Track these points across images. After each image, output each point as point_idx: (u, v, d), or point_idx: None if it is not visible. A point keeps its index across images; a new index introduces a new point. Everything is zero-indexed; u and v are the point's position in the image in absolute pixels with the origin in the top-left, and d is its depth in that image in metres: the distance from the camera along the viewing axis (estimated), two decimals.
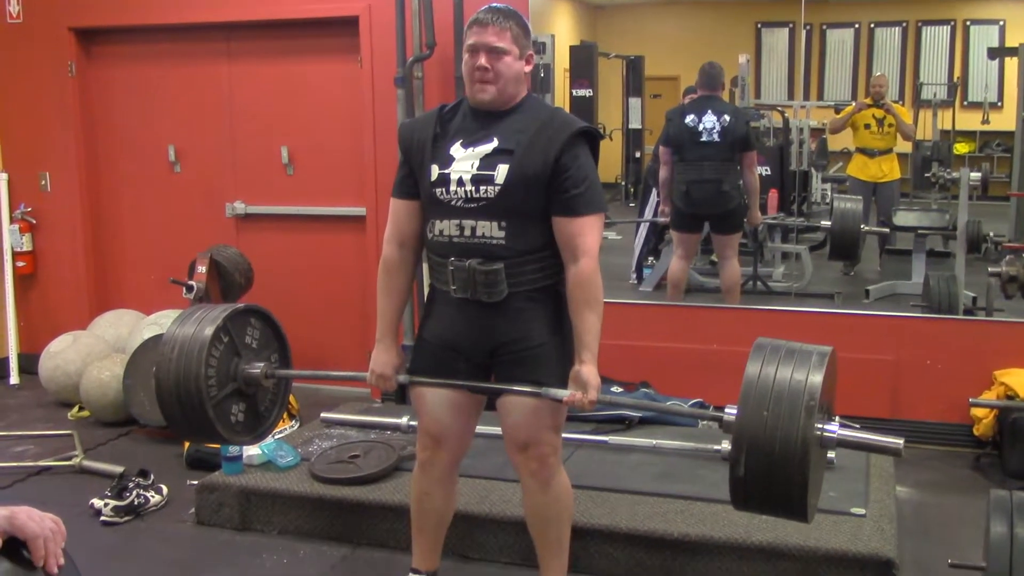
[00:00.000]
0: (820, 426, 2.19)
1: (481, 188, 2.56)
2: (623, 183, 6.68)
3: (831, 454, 3.44)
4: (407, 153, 2.72)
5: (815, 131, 6.31)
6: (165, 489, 3.92)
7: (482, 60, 2.57)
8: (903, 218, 5.81)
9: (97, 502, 3.76)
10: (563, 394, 2.54)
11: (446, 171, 2.60)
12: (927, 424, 4.47)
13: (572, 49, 5.97)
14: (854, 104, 6.15)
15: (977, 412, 4.26)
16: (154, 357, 2.88)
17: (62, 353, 5.19)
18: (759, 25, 6.64)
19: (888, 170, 6.13)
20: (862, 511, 3.28)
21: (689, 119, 5.17)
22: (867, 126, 6.07)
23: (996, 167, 6.22)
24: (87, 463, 4.25)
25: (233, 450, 3.71)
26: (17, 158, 5.84)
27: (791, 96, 6.46)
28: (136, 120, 5.75)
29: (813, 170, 6.29)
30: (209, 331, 2.79)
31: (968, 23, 6.42)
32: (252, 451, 3.78)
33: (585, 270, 2.54)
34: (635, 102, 6.34)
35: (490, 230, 2.57)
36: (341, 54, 5.24)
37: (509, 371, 2.64)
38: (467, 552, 3.37)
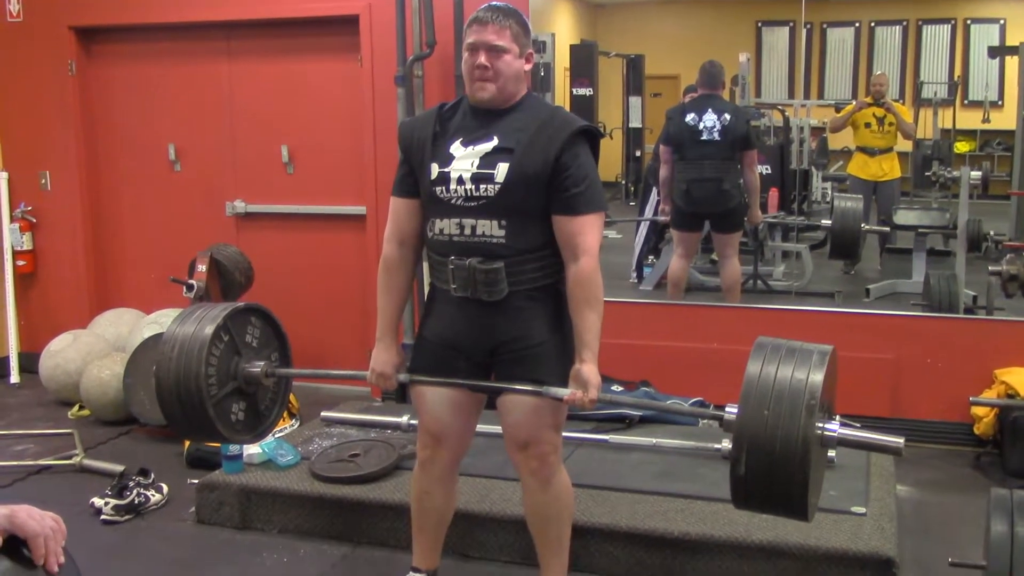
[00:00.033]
0: (821, 425, 2.19)
1: (481, 187, 2.56)
2: (623, 182, 6.67)
3: (831, 453, 3.44)
4: (407, 152, 2.72)
5: (815, 130, 6.31)
6: (165, 488, 3.92)
7: (482, 58, 2.56)
8: (903, 217, 5.81)
9: (97, 501, 3.77)
10: (563, 393, 2.54)
11: (446, 170, 2.60)
12: (927, 423, 4.47)
13: (572, 48, 5.97)
14: (854, 103, 6.15)
15: (977, 411, 4.26)
16: (154, 356, 2.88)
17: (62, 352, 5.20)
18: (759, 24, 6.64)
19: (888, 169, 6.13)
20: (862, 510, 3.28)
21: (689, 118, 5.17)
22: (867, 125, 6.07)
23: (996, 166, 6.22)
24: (87, 462, 4.25)
25: (233, 449, 3.71)
26: (17, 157, 5.84)
27: (791, 95, 6.46)
28: (136, 119, 5.75)
29: (813, 169, 6.29)
30: (209, 330, 2.79)
31: (969, 22, 6.42)
32: (252, 450, 3.78)
33: (585, 269, 2.54)
34: (635, 101, 6.33)
35: (490, 229, 2.57)
36: (341, 53, 5.24)
37: (509, 370, 2.64)
38: (467, 551, 3.37)
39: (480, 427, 2.93)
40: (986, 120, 6.22)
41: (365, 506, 3.50)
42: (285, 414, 4.40)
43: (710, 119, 5.13)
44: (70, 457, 4.30)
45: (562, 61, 5.70)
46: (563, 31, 6.19)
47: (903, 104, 6.24)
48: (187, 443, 4.25)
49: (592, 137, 2.65)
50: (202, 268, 4.99)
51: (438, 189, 2.61)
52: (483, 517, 3.35)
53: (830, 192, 6.36)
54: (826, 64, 6.64)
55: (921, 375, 4.48)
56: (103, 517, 3.72)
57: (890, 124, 6.03)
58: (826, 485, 2.59)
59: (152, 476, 3.91)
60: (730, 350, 4.37)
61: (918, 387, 4.48)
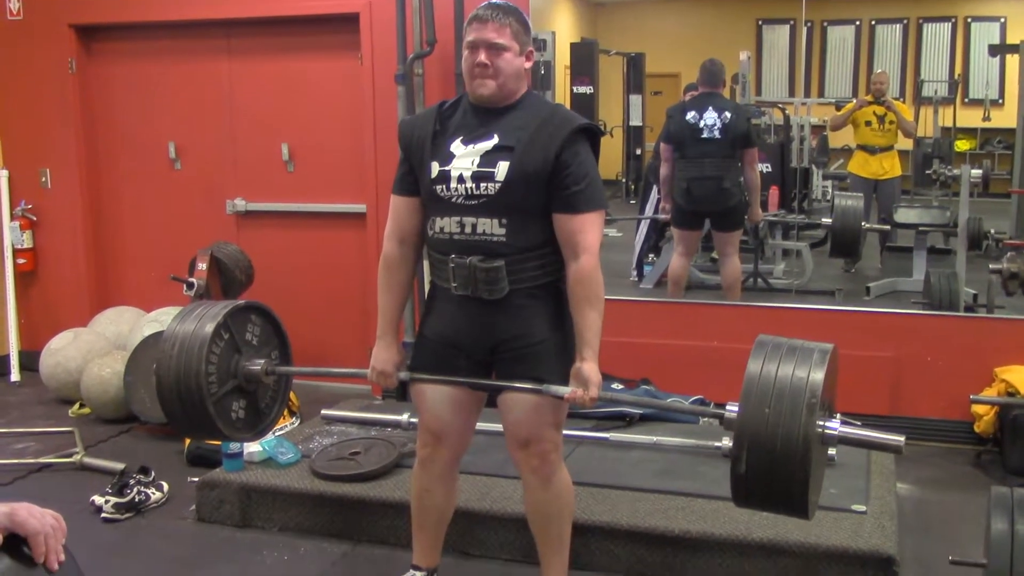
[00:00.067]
0: (821, 423, 2.19)
1: (482, 185, 2.56)
2: (624, 180, 6.68)
3: (832, 451, 3.44)
4: (407, 150, 2.72)
5: (816, 128, 6.31)
6: (166, 486, 3.92)
7: (482, 56, 2.56)
8: (904, 215, 5.81)
9: (98, 499, 3.77)
10: (564, 391, 2.54)
11: (446, 168, 2.60)
12: (928, 421, 4.47)
13: (573, 46, 5.97)
14: (855, 101, 6.15)
15: (978, 409, 4.25)
16: (155, 354, 2.87)
17: (63, 350, 5.20)
18: (760, 22, 6.64)
19: (889, 167, 6.14)
20: (863, 508, 3.29)
21: (690, 116, 5.17)
22: (868, 123, 6.07)
23: (997, 164, 6.22)
24: (88, 460, 4.25)
25: (234, 447, 3.71)
26: (18, 155, 5.84)
27: (792, 93, 6.46)
28: (136, 117, 5.74)
29: (814, 167, 6.29)
30: (210, 328, 2.78)
31: (969, 20, 6.42)
32: (253, 448, 3.78)
33: (586, 267, 2.54)
34: (636, 99, 6.34)
35: (491, 227, 2.57)
36: (341, 51, 5.24)
37: (510, 368, 2.64)
38: (468, 549, 3.37)
39: (480, 425, 2.93)
40: (987, 118, 6.23)
41: (365, 504, 3.50)
42: (285, 412, 4.40)
43: (711, 117, 5.12)
44: (71, 455, 4.30)
45: (562, 59, 5.70)
46: (563, 29, 6.19)
47: (904, 102, 6.24)
48: (187, 441, 4.25)
49: (592, 135, 2.64)
50: (202, 266, 4.99)
51: (438, 187, 2.61)
52: (483, 515, 3.35)
53: (830, 190, 6.36)
54: (827, 62, 6.64)
55: (921, 373, 4.48)
56: (103, 515, 3.72)
57: (891, 122, 6.03)
58: (826, 483, 2.59)
59: (152, 474, 3.91)
60: (730, 348, 4.37)
61: (918, 385, 4.48)
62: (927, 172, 5.90)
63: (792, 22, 6.39)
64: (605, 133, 5.71)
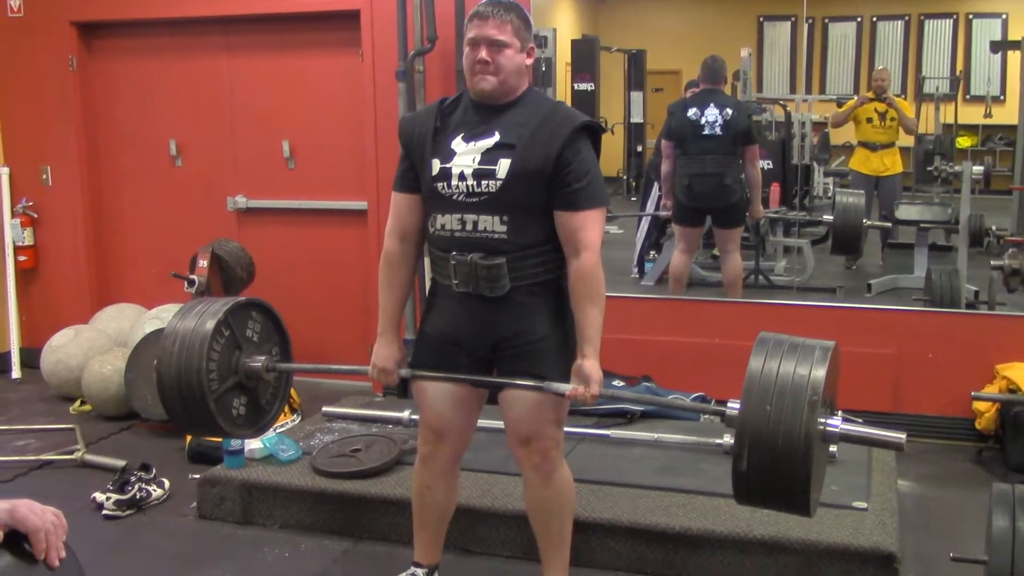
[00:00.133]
0: (823, 420, 2.19)
1: (483, 183, 2.55)
2: (625, 177, 6.68)
3: (833, 448, 3.43)
4: (408, 147, 2.71)
5: (817, 125, 6.31)
6: (167, 483, 3.92)
7: (483, 53, 2.56)
8: (905, 212, 5.81)
9: (99, 496, 3.77)
10: (565, 388, 2.54)
11: (447, 165, 2.60)
12: (929, 418, 4.46)
13: (574, 43, 5.97)
14: (856, 98, 6.15)
15: (979, 406, 4.25)
16: (156, 351, 2.87)
17: (64, 347, 5.20)
18: (761, 19, 6.64)
19: (890, 164, 6.13)
20: (864, 505, 3.28)
21: (691, 113, 5.16)
22: (869, 120, 6.07)
23: (998, 161, 6.22)
24: (89, 457, 4.25)
25: (235, 444, 3.71)
26: (18, 152, 5.84)
27: (793, 90, 6.46)
28: (137, 114, 5.74)
29: (815, 164, 6.29)
30: (210, 325, 2.79)
31: (970, 16, 6.42)
32: (254, 445, 3.78)
33: (587, 264, 2.53)
34: (637, 96, 6.33)
35: (492, 224, 2.57)
36: (342, 48, 5.23)
37: (511, 365, 2.64)
38: (469, 546, 3.37)
39: (482, 422, 2.93)
40: (988, 115, 6.23)
41: (366, 501, 3.50)
42: (286, 409, 4.40)
43: (712, 114, 5.12)
44: (71, 452, 4.30)
45: (563, 56, 5.70)
46: (564, 26, 6.19)
47: (905, 99, 6.24)
48: (188, 438, 4.25)
49: (594, 132, 2.64)
50: (203, 263, 4.99)
51: (439, 185, 2.60)
52: (485, 512, 3.35)
53: (832, 187, 6.36)
54: (828, 59, 6.64)
55: (923, 370, 4.48)
56: (104, 512, 3.72)
57: (892, 119, 6.02)
58: (827, 480, 2.59)
59: (153, 471, 3.91)
60: (731, 345, 4.37)
61: (920, 382, 4.48)
62: (928, 169, 5.91)
63: (793, 18, 6.39)
64: (606, 130, 5.70)
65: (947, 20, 6.47)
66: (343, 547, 3.46)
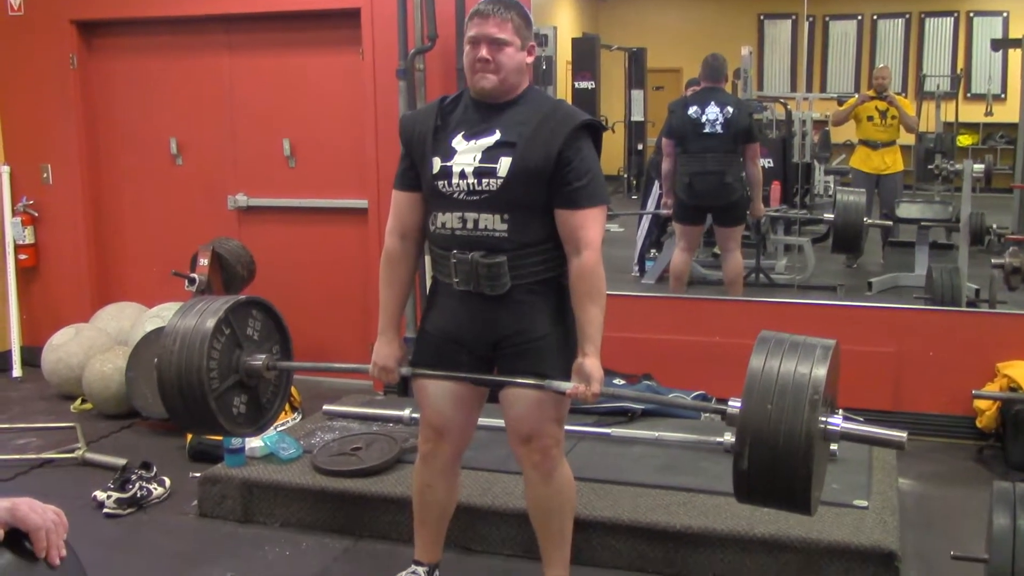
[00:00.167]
0: (824, 419, 2.19)
1: (483, 181, 2.55)
2: (625, 175, 6.68)
3: (834, 446, 3.43)
4: (408, 145, 2.71)
5: (818, 123, 6.30)
6: (168, 481, 3.92)
7: (483, 52, 2.56)
8: (906, 210, 5.80)
9: (100, 494, 3.77)
10: (566, 386, 2.54)
11: (448, 164, 2.60)
12: (930, 416, 4.46)
13: (574, 41, 5.96)
14: (857, 96, 6.14)
15: (980, 404, 4.25)
16: (156, 350, 2.87)
17: (64, 346, 5.20)
18: (762, 17, 6.64)
19: (891, 162, 6.13)
20: (864, 503, 3.28)
21: (692, 111, 5.16)
22: (870, 118, 6.06)
23: (999, 159, 6.22)
24: (90, 455, 4.25)
25: (235, 442, 3.71)
26: (19, 151, 5.84)
27: (794, 88, 6.46)
28: (137, 113, 5.74)
29: (816, 162, 6.28)
30: (211, 323, 2.79)
31: (971, 14, 6.42)
32: (254, 443, 3.78)
33: (588, 263, 2.53)
34: (637, 94, 6.33)
35: (492, 223, 2.57)
36: (342, 46, 5.23)
37: (512, 363, 2.64)
38: (469, 544, 3.37)
39: (482, 420, 2.93)
40: (989, 113, 6.23)
41: (367, 499, 3.50)
42: (287, 407, 4.41)
43: (713, 112, 5.11)
44: (72, 451, 4.30)
45: (564, 54, 5.70)
46: (565, 24, 6.19)
47: (905, 97, 6.23)
48: (189, 436, 4.25)
49: (594, 131, 2.64)
50: (204, 262, 4.99)
51: (440, 183, 2.60)
52: (485, 510, 3.35)
53: (832, 185, 6.35)
54: (828, 57, 6.64)
55: (923, 368, 4.48)
56: (105, 510, 3.72)
57: (892, 117, 6.01)
58: (828, 478, 2.59)
59: (154, 469, 3.91)
60: (732, 343, 4.37)
61: (920, 380, 4.48)
62: (929, 167, 5.91)
63: (794, 17, 6.39)
64: (607, 128, 5.69)
65: (948, 18, 6.46)
66: (344, 545, 3.46)
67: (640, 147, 6.44)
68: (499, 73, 2.57)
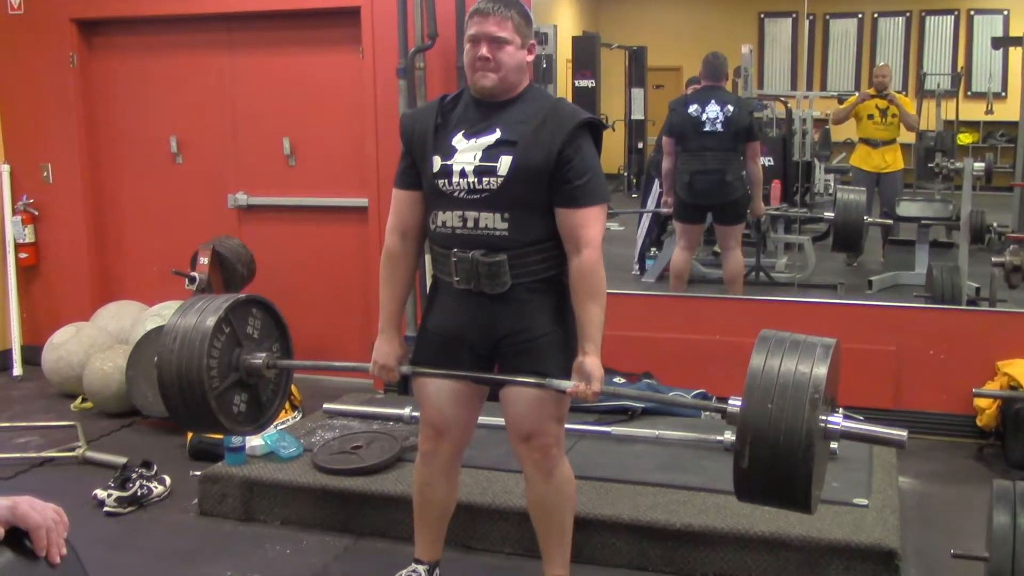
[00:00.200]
0: (824, 418, 2.19)
1: (484, 180, 2.55)
2: (626, 174, 6.67)
3: (834, 445, 3.43)
4: (408, 144, 2.71)
5: (818, 121, 6.29)
6: (168, 480, 3.92)
7: (484, 50, 2.56)
8: (906, 208, 5.80)
9: (100, 493, 3.77)
10: (566, 385, 2.54)
11: (448, 162, 2.60)
12: (930, 414, 4.46)
13: (574, 40, 5.96)
14: (857, 94, 6.14)
15: (980, 402, 4.25)
16: (156, 348, 2.87)
17: (65, 344, 5.20)
18: (762, 15, 6.63)
19: (891, 160, 6.12)
20: (865, 502, 3.29)
21: (692, 109, 5.16)
22: (870, 116, 6.06)
23: (1000, 157, 6.20)
24: (90, 454, 4.25)
25: (236, 441, 3.72)
26: (19, 149, 5.83)
27: (794, 86, 6.45)
28: (137, 111, 5.74)
29: (816, 161, 6.28)
30: (211, 321, 2.79)
31: (972, 13, 6.41)
32: (255, 442, 3.78)
33: (588, 261, 2.53)
34: (638, 92, 6.33)
35: (493, 221, 2.56)
36: (343, 45, 5.23)
37: (512, 362, 2.64)
38: (470, 542, 3.37)
39: (482, 419, 2.93)
40: (989, 111, 6.22)
41: (367, 498, 3.51)
42: (287, 406, 4.41)
43: (713, 111, 5.11)
44: (73, 449, 4.30)
45: (564, 53, 5.69)
46: (565, 22, 6.19)
47: (906, 95, 6.23)
48: (190, 435, 4.25)
49: (595, 129, 2.64)
50: (204, 260, 4.99)
51: (440, 182, 2.60)
52: (485, 509, 3.36)
53: (833, 184, 6.35)
54: (829, 55, 6.63)
55: (924, 367, 4.48)
56: (106, 509, 3.72)
57: (893, 116, 6.01)
58: (828, 477, 2.59)
59: (155, 468, 3.91)
60: (732, 342, 4.37)
61: (921, 379, 4.48)
62: (929, 165, 5.90)
63: (794, 15, 6.38)
64: (607, 127, 5.69)
65: (948, 16, 6.46)
66: (344, 544, 3.46)
67: (640, 145, 6.44)
68: (499, 72, 2.57)
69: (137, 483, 3.78)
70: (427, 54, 4.88)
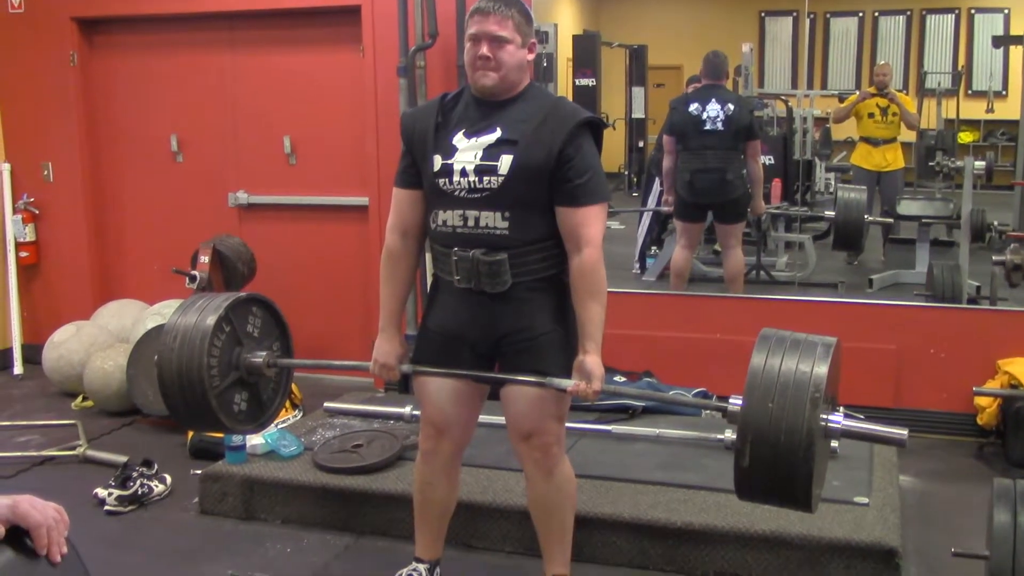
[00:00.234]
0: (825, 417, 2.19)
1: (484, 179, 2.55)
2: (626, 172, 6.67)
3: (835, 443, 3.43)
4: (409, 143, 2.71)
5: (819, 120, 6.29)
6: (169, 479, 3.92)
7: (484, 49, 2.55)
8: (907, 207, 5.80)
9: (101, 491, 3.77)
10: (567, 384, 2.54)
11: (449, 161, 2.59)
12: (930, 413, 4.46)
13: (575, 38, 5.96)
14: (858, 93, 6.14)
15: (981, 401, 4.25)
16: (157, 347, 2.87)
17: (66, 343, 5.20)
18: (763, 14, 6.63)
19: (892, 159, 6.12)
20: (865, 500, 3.28)
21: (693, 108, 5.15)
22: (871, 115, 6.06)
23: (1000, 156, 6.20)
24: (91, 453, 4.26)
25: (236, 439, 3.72)
26: (20, 148, 5.83)
27: (795, 85, 6.45)
28: (138, 110, 5.74)
29: (817, 159, 6.28)
30: (211, 320, 2.79)
31: (972, 11, 6.41)
32: (255, 440, 3.78)
33: (589, 260, 2.53)
34: (638, 91, 6.33)
35: (493, 220, 2.56)
36: (343, 43, 5.23)
37: (513, 361, 2.64)
38: (470, 541, 3.37)
39: (483, 418, 2.93)
40: (990, 110, 6.21)
41: (368, 497, 3.51)
42: (288, 405, 4.41)
43: (714, 109, 5.11)
44: (74, 448, 4.30)
45: (565, 51, 5.69)
46: (566, 21, 6.18)
47: (907, 94, 6.22)
48: (190, 434, 4.26)
49: (595, 128, 2.64)
50: (205, 259, 4.99)
51: (441, 181, 2.60)
52: (486, 507, 3.36)
53: (833, 183, 6.35)
54: (829, 54, 6.63)
55: (924, 365, 4.48)
56: (106, 508, 3.72)
57: (894, 114, 6.01)
58: (829, 475, 2.59)
59: (155, 467, 3.91)
60: (733, 341, 4.37)
61: (921, 377, 4.48)
62: (930, 164, 5.89)
63: (795, 13, 6.38)
64: (608, 126, 5.69)
65: (949, 15, 6.45)
66: (345, 542, 3.46)
67: (641, 144, 6.44)
68: (500, 71, 2.56)
69: (138, 482, 3.78)
70: (427, 53, 4.87)
